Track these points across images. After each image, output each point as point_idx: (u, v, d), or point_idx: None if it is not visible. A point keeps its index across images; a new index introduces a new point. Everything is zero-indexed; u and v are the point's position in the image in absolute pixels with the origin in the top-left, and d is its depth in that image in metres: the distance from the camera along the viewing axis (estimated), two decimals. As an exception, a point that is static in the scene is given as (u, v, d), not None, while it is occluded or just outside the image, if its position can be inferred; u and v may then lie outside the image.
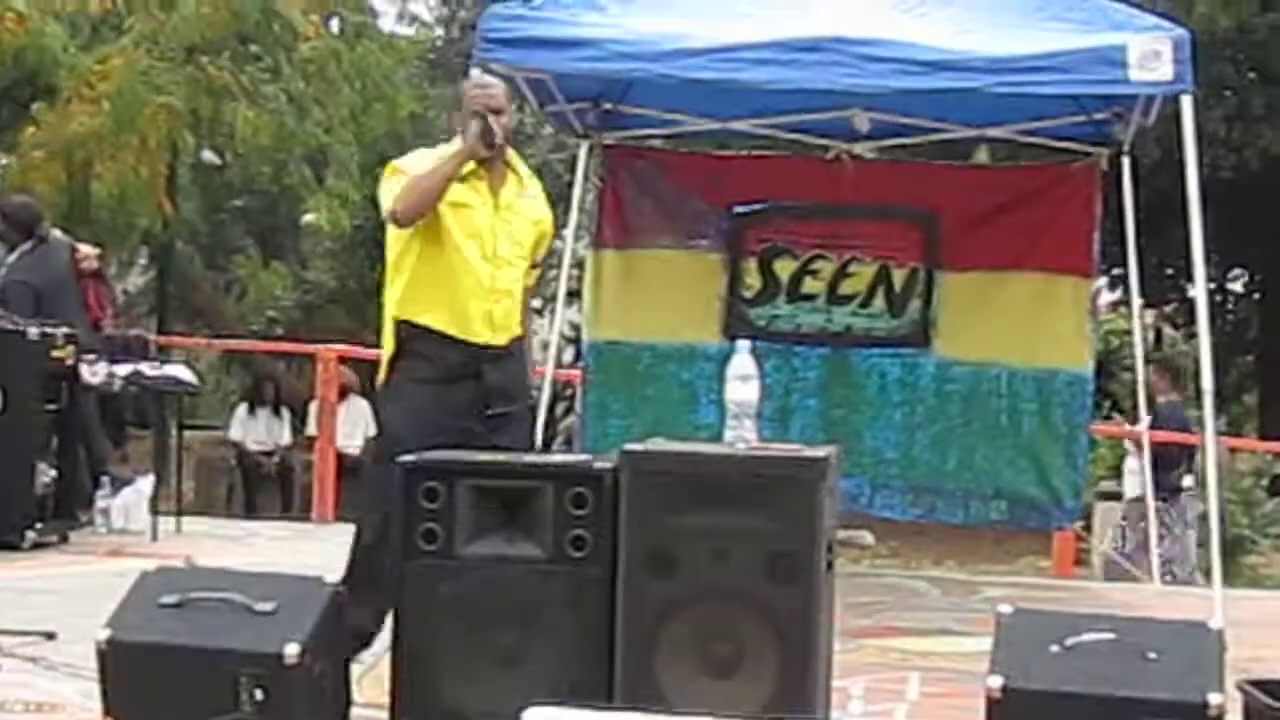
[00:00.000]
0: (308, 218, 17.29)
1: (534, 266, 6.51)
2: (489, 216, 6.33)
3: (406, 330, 6.28)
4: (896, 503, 9.77)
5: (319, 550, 9.81)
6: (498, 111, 6.29)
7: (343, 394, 14.78)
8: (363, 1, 18.24)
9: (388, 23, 20.96)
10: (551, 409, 14.39)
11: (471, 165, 6.24)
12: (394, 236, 6.39)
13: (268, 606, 4.73)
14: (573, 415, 11.33)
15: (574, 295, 13.11)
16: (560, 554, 4.79)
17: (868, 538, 14.89)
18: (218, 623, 4.71)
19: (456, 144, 6.21)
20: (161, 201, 15.77)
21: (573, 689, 4.59)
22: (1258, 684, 4.74)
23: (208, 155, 18.19)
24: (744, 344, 5.11)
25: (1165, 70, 7.27)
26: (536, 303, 21.93)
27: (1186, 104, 7.40)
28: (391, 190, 6.25)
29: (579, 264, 11.64)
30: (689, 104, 9.56)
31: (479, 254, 6.32)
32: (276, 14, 15.68)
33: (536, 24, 7.72)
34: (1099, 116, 9.32)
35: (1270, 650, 6.45)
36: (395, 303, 6.33)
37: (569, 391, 13.04)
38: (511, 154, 6.37)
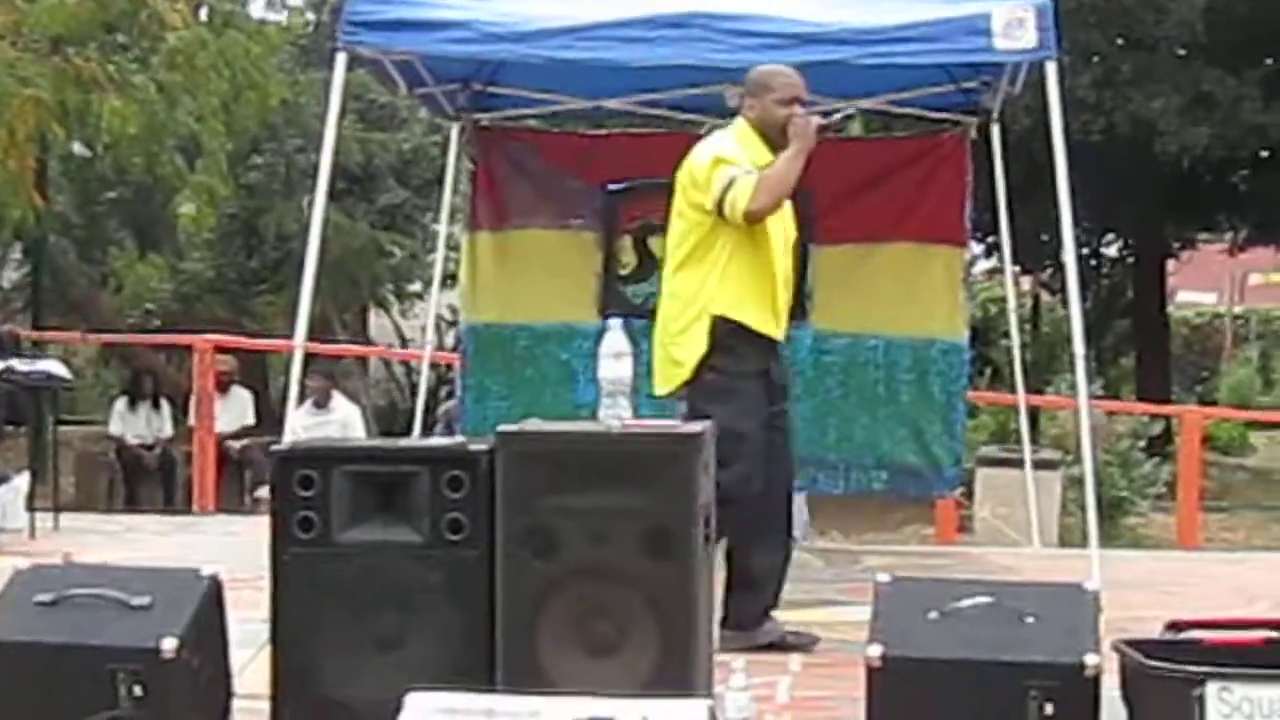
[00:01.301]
0: (184, 209, 17.09)
1: None
2: (784, 210, 6.56)
3: (725, 327, 6.37)
4: (777, 475, 9.79)
5: (200, 542, 9.77)
6: (804, 103, 6.46)
7: (224, 385, 14.69)
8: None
9: (258, 9, 20.82)
10: (434, 393, 14.39)
11: (768, 156, 6.39)
12: (694, 225, 6.47)
13: (144, 601, 4.71)
14: (453, 400, 11.29)
15: (451, 278, 13.09)
16: (438, 538, 4.77)
17: (751, 511, 14.94)
18: (93, 619, 4.69)
19: (740, 125, 6.56)
20: (32, 195, 15.55)
21: (454, 673, 4.59)
22: (1133, 644, 4.80)
23: (78, 148, 17.99)
24: (616, 322, 5.11)
25: (1029, 38, 7.33)
26: (415, 286, 21.93)
27: (1051, 70, 7.46)
28: (733, 180, 6.33)
29: (454, 247, 11.62)
30: (560, 83, 9.54)
31: (782, 247, 6.38)
32: (143, 3, 15.49)
33: (403, 6, 7.67)
34: (967, 85, 9.38)
35: (1149, 610, 6.52)
36: (710, 299, 6.40)
37: (450, 375, 13.00)
38: None
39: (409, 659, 4.73)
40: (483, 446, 4.82)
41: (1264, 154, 20.57)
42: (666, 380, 6.56)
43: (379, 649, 4.77)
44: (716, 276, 6.41)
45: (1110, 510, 13.99)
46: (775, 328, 6.53)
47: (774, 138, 6.52)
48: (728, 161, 6.39)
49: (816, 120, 6.45)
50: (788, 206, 6.60)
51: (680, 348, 6.47)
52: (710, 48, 7.41)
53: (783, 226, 6.58)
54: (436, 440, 6.09)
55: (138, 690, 4.55)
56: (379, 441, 5.28)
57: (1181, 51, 18.55)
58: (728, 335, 6.40)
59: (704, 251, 6.43)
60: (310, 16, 22.35)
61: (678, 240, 6.55)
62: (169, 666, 4.56)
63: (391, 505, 4.83)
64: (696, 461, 4.72)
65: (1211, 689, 4.47)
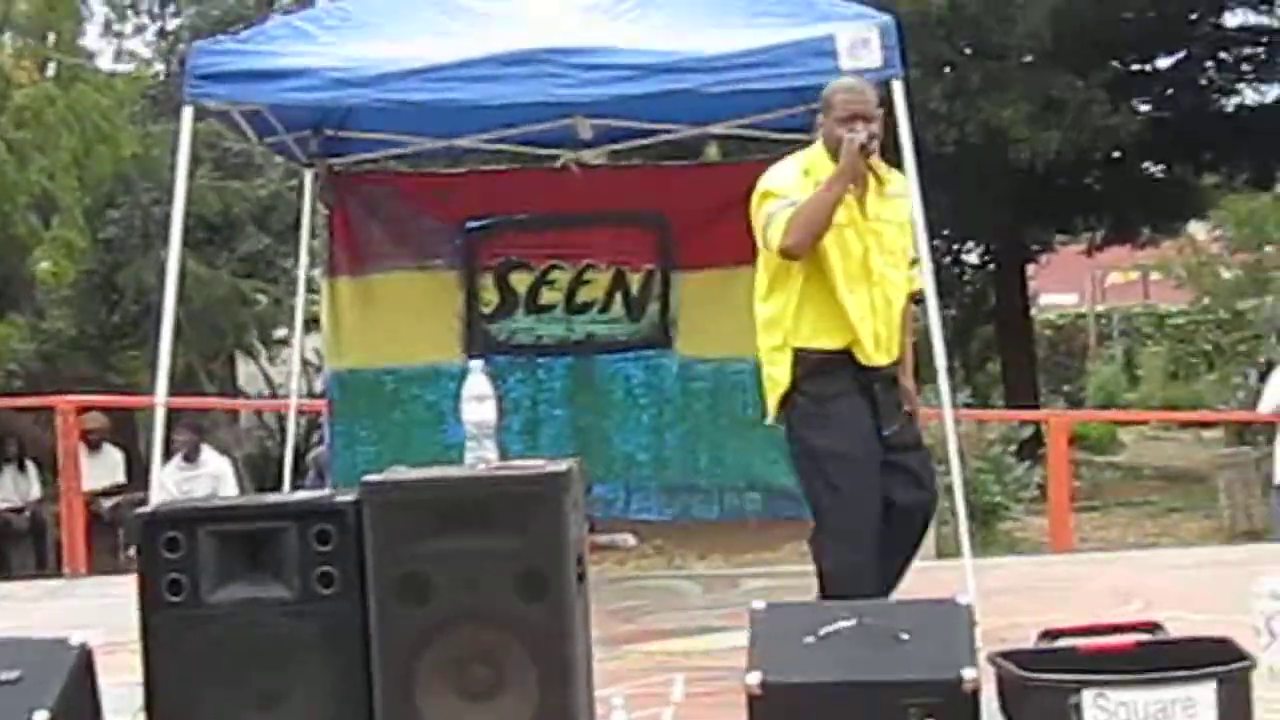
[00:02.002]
0: (42, 265, 16.91)
1: (913, 264, 6.62)
2: (860, 232, 6.36)
3: (807, 358, 6.35)
4: (652, 504, 9.82)
5: (74, 607, 9.63)
6: (868, 119, 6.32)
7: (95, 443, 14.53)
8: (77, 44, 17.91)
9: (106, 62, 20.65)
10: (306, 439, 14.30)
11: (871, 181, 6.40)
12: (766, 257, 6.41)
13: (11, 675, 4.63)
14: (322, 447, 11.22)
15: (315, 322, 13.00)
16: (309, 593, 4.73)
17: (630, 540, 14.92)
18: (-40, 697, 4.60)
19: (815, 147, 6.49)
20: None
21: (334, 727, 4.55)
22: (1009, 655, 4.83)
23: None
24: (477, 364, 5.11)
25: (874, 57, 7.38)
26: (282, 332, 21.78)
27: (897, 88, 7.51)
28: (771, 216, 6.28)
29: (316, 291, 11.55)
30: (411, 124, 9.50)
31: (859, 274, 6.28)
32: (-11, 62, 15.36)
33: (246, 57, 7.61)
34: (817, 106, 9.40)
35: (1026, 616, 6.58)
36: (789, 331, 6.38)
37: (321, 419, 12.91)
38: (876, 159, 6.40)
39: (287, 716, 4.69)
40: (349, 497, 4.78)
41: (1115, 155, 20.85)
42: (769, 408, 6.58)
43: (257, 708, 4.72)
44: (794, 307, 6.41)
45: (985, 516, 14.12)
46: (864, 352, 6.45)
47: (838, 158, 6.44)
48: (773, 195, 6.40)
49: (859, 138, 6.34)
50: (893, 224, 6.57)
51: (771, 379, 6.51)
52: (558, 83, 7.40)
53: (852, 251, 6.44)
54: (303, 493, 6.02)
55: (11, 767, 4.48)
56: (244, 498, 5.22)
57: (1029, 59, 18.77)
58: (812, 365, 6.41)
59: (781, 281, 6.44)
60: (160, 67, 22.19)
61: (759, 270, 6.56)
62: (42, 740, 4.49)
63: (260, 562, 4.78)
64: (566, 500, 4.71)
65: (1087, 696, 4.52)
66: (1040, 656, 4.85)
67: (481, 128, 9.66)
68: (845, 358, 6.42)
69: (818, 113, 9.34)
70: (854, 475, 6.36)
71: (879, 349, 6.46)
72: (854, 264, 6.43)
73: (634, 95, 7.68)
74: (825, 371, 6.40)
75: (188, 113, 7.66)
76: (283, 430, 16.68)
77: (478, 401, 5.01)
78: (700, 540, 14.94)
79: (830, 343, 6.40)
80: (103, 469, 14.74)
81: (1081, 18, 18.67)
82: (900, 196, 6.56)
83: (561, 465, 4.84)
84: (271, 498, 5.25)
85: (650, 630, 7.78)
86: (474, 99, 7.51)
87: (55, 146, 15.94)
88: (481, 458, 4.94)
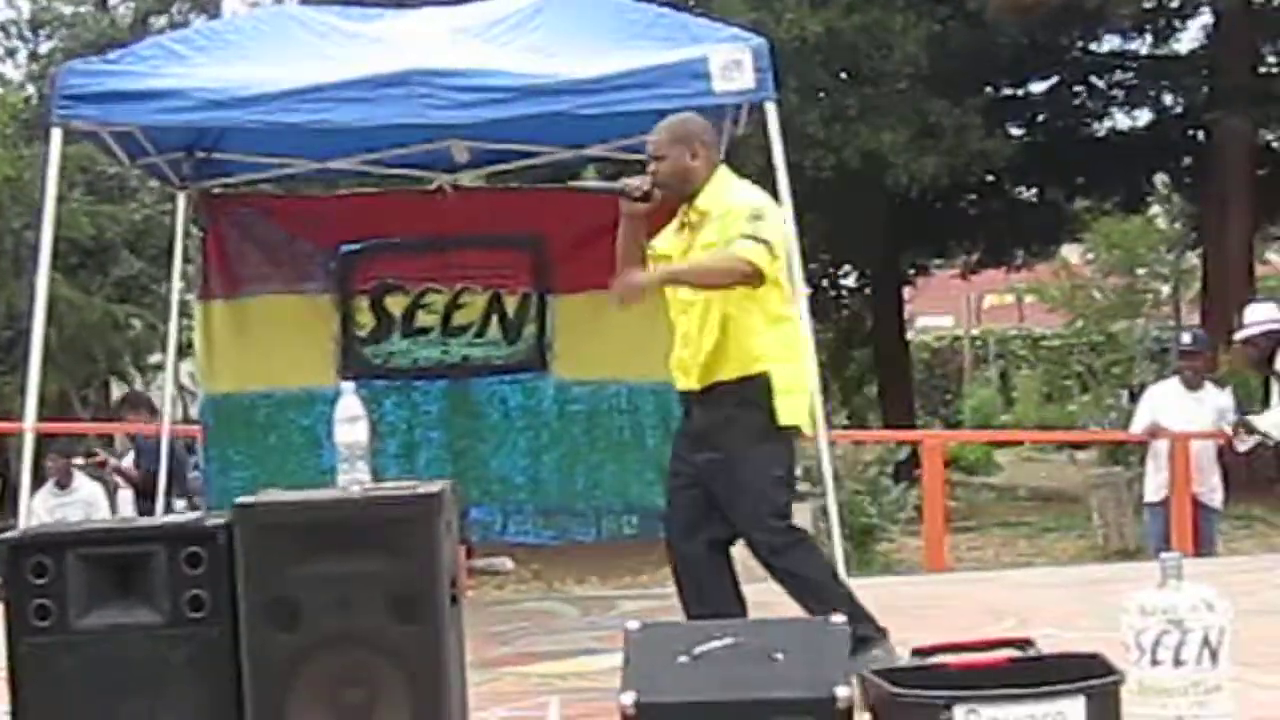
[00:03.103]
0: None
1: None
2: (679, 263, 6.47)
3: None
4: (529, 527, 9.78)
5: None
6: (657, 158, 6.41)
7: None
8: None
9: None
10: (181, 463, 14.15)
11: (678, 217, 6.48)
12: None
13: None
14: (196, 471, 11.12)
15: (189, 347, 12.90)
16: (179, 617, 4.69)
17: (507, 564, 14.94)
18: None
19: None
20: None
21: (205, 753, 4.51)
22: (881, 673, 4.86)
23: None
24: (348, 386, 5.08)
25: (746, 79, 7.42)
26: (156, 357, 21.60)
27: (771, 110, 7.55)
28: None
29: (190, 315, 11.45)
30: (285, 147, 9.44)
31: (675, 304, 6.47)
32: None
33: (117, 77, 7.54)
34: (693, 128, 9.45)
35: (901, 634, 6.59)
36: None
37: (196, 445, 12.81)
38: (708, 189, 6.46)
39: (158, 743, 4.64)
40: (220, 520, 4.74)
41: (989, 179, 21.09)
42: None
43: (127, 734, 4.67)
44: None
45: (862, 537, 14.19)
46: (679, 380, 6.60)
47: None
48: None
49: (630, 186, 6.51)
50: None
51: None
52: (430, 104, 7.38)
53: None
54: (173, 516, 5.97)
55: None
56: (114, 521, 5.16)
57: (905, 85, 18.94)
58: None
59: None
60: (31, 90, 21.99)
61: None
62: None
63: (130, 586, 4.73)
64: (437, 521, 4.68)
65: (959, 712, 4.55)
66: (912, 673, 4.88)
67: (356, 150, 9.61)
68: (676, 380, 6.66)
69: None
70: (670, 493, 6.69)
71: (687, 376, 6.55)
72: (674, 295, 6.59)
73: (509, 118, 7.67)
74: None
75: (56, 134, 7.59)
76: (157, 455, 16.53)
77: (350, 423, 4.98)
78: (577, 563, 14.98)
79: (674, 365, 6.65)
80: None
81: (956, 44, 18.88)
82: (726, 212, 6.52)
83: (435, 487, 4.82)
84: (141, 521, 5.20)
85: (526, 653, 7.76)
86: (348, 120, 7.48)
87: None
88: (355, 479, 4.91)
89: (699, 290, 6.41)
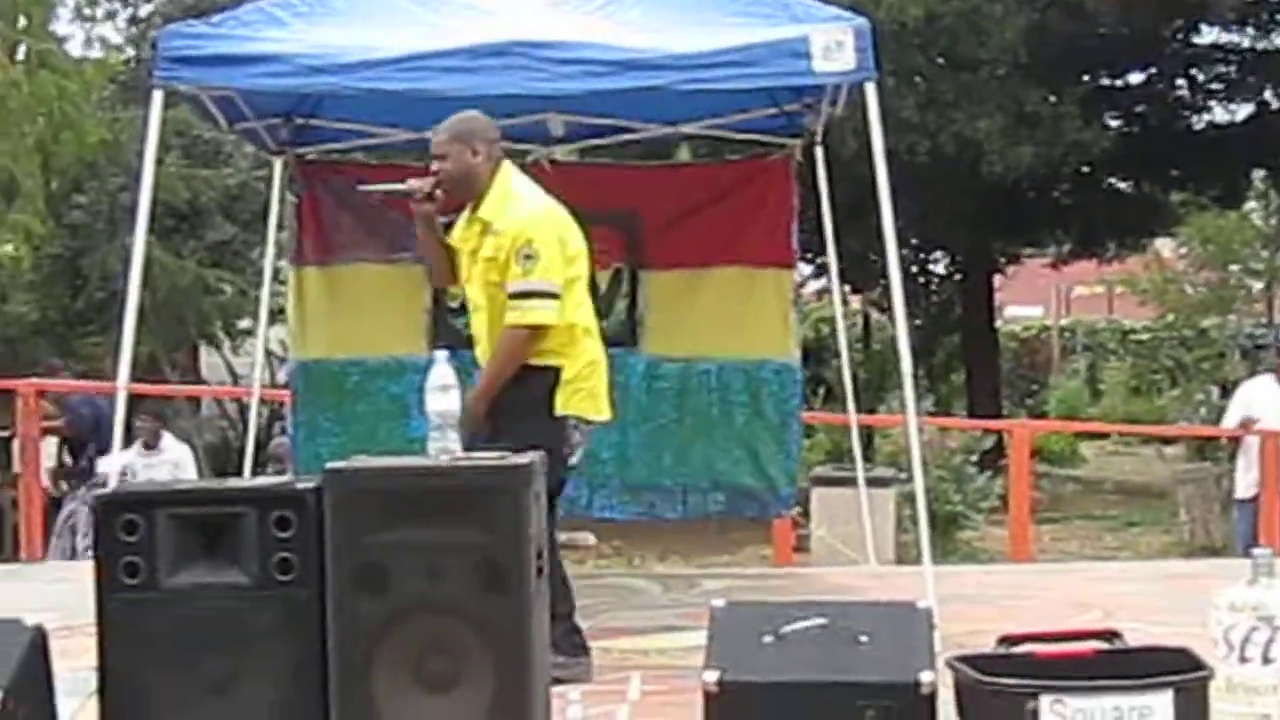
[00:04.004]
0: (5, 249, 16.82)
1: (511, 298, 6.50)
2: (467, 261, 6.65)
3: None
4: (615, 502, 9.79)
5: (29, 591, 9.56)
6: (438, 157, 6.57)
7: (49, 428, 14.45)
8: (47, 29, 17.80)
9: (76, 47, 20.53)
10: (267, 429, 14.26)
11: (468, 210, 6.61)
12: None
13: (-35, 653, 4.60)
14: (284, 436, 11.17)
15: (280, 313, 12.97)
16: (267, 579, 4.70)
17: (589, 539, 14.94)
18: (-86, 673, 4.57)
19: None
20: None
21: (288, 715, 4.55)
22: (967, 660, 4.83)
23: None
24: (442, 354, 5.08)
25: (848, 59, 7.36)
26: (246, 323, 21.71)
27: (871, 91, 7.50)
28: None
29: (283, 281, 11.50)
30: (383, 115, 9.46)
31: (468, 300, 6.50)
32: (-45, 48, 15.28)
33: (218, 41, 7.55)
34: (790, 108, 9.43)
35: (984, 623, 6.57)
36: None
37: (283, 410, 12.87)
38: (491, 196, 6.59)
39: (242, 703, 4.66)
40: (310, 484, 4.76)
41: (1084, 170, 20.92)
42: None
43: (211, 694, 4.69)
44: None
45: (945, 525, 14.13)
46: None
47: None
48: None
49: (413, 187, 6.69)
50: (485, 260, 6.61)
51: None
52: (531, 76, 7.37)
53: (469, 280, 6.77)
54: (264, 480, 6.00)
55: (-39, 745, 4.45)
56: (204, 483, 5.20)
57: (1003, 72, 18.80)
58: None
59: None
60: (130, 52, 22.10)
61: None
62: (-6, 720, 4.46)
63: (219, 547, 4.75)
64: (527, 493, 4.69)
65: (1045, 702, 4.52)
66: (998, 661, 4.84)
67: (452, 121, 9.61)
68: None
69: (792, 115, 9.46)
70: None
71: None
72: (467, 293, 6.77)
73: (607, 91, 7.65)
74: None
75: (157, 97, 7.60)
76: (244, 420, 16.65)
77: (442, 391, 4.98)
78: (659, 540, 14.97)
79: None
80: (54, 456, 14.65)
81: (1056, 32, 18.73)
82: (499, 234, 6.53)
83: (524, 458, 4.82)
84: (232, 482, 5.22)
85: (608, 628, 7.76)
86: (446, 89, 7.47)
87: (20, 133, 15.84)
88: (444, 448, 4.91)
89: (491, 297, 6.57)
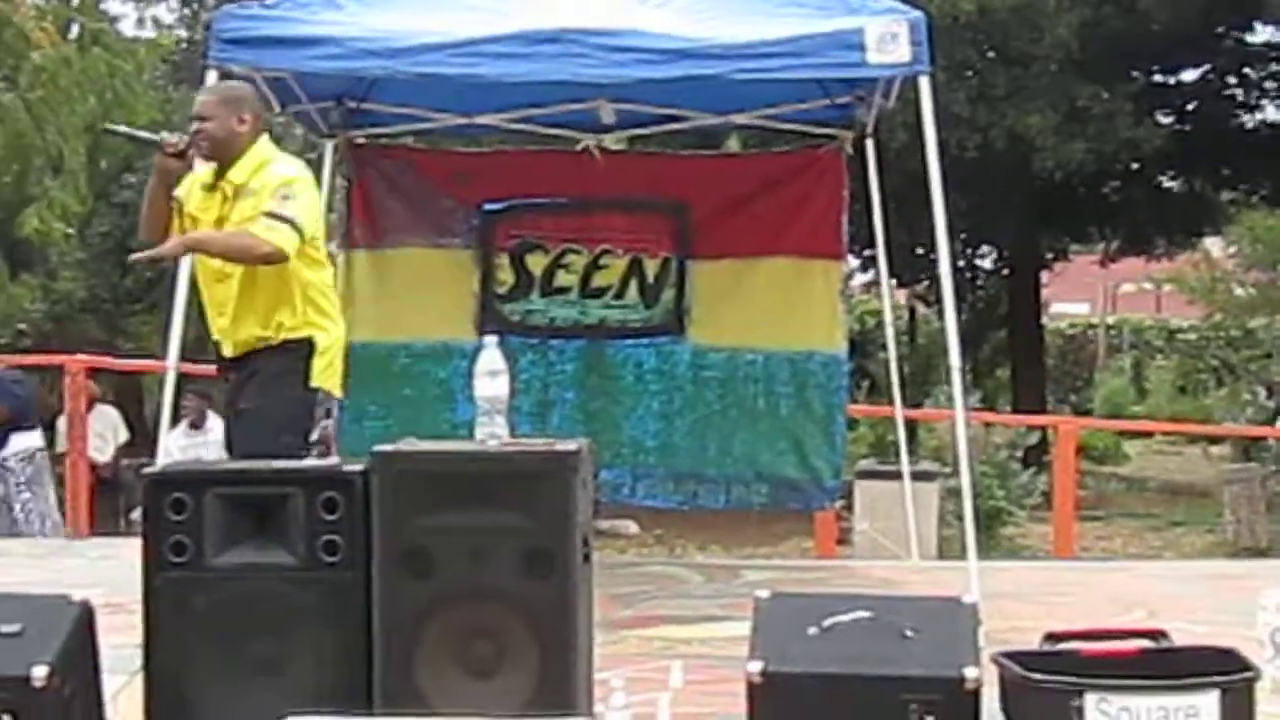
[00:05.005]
0: (33, 223, 16.76)
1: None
2: (210, 229, 6.37)
3: None
4: (658, 491, 9.80)
5: (75, 566, 9.61)
6: (201, 118, 6.36)
7: (89, 404, 14.53)
8: (100, 8, 17.87)
9: (129, 26, 20.61)
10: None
11: (206, 176, 6.25)
12: None
13: (13, 628, 4.61)
14: (329, 419, 11.17)
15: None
16: (313, 560, 4.71)
17: (632, 527, 14.98)
18: (-40, 648, 4.58)
19: None
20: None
21: (331, 696, 4.54)
22: (1012, 656, 4.81)
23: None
24: (491, 339, 5.08)
25: (902, 52, 7.35)
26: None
27: (924, 85, 7.48)
28: None
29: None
30: (434, 100, 9.48)
31: (205, 270, 6.38)
32: (8, 22, 15.29)
33: (273, 23, 7.59)
34: (842, 100, 9.41)
35: (1027, 620, 6.54)
36: None
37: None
38: (244, 160, 6.38)
39: (285, 683, 4.66)
40: (358, 467, 4.77)
41: (1135, 167, 20.83)
42: None
43: (255, 673, 4.70)
44: None
45: (988, 521, 14.10)
46: (223, 345, 6.63)
47: None
48: None
49: (169, 139, 6.48)
50: (236, 224, 6.47)
51: None
52: (583, 63, 7.37)
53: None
54: (311, 461, 6.01)
55: (7, 719, 4.46)
56: (253, 463, 5.20)
57: (1055, 67, 18.73)
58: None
59: None
60: (183, 34, 22.16)
61: None
62: (39, 695, 4.47)
63: (266, 528, 4.76)
64: (574, 479, 4.68)
65: (1090, 700, 4.49)
66: (1044, 658, 4.82)
67: (504, 106, 9.64)
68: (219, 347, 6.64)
69: (843, 106, 9.44)
70: None
71: (226, 343, 6.57)
72: (205, 262, 6.57)
73: (658, 79, 7.66)
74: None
75: (212, 77, 7.62)
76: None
77: (491, 377, 4.97)
78: (701, 530, 14.99)
79: (214, 333, 6.62)
80: (97, 432, 14.72)
81: (1109, 28, 18.65)
82: (257, 192, 6.41)
83: (572, 444, 4.82)
84: (279, 464, 5.22)
85: (650, 616, 7.76)
86: (498, 75, 7.49)
87: (70, 110, 15.88)
88: (493, 433, 4.91)
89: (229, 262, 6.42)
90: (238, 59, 7.68)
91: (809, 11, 7.62)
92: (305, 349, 6.47)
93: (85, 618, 4.79)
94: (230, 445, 6.56)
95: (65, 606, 4.80)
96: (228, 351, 6.55)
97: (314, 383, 6.52)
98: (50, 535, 11.71)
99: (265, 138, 6.59)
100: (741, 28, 7.53)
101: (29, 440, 12.02)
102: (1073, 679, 4.58)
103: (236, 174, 6.44)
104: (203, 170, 6.49)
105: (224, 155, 6.45)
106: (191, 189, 6.53)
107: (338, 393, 6.76)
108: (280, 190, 6.33)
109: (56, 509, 12.15)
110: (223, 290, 6.50)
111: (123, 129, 7.35)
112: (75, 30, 16.92)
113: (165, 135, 6.52)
